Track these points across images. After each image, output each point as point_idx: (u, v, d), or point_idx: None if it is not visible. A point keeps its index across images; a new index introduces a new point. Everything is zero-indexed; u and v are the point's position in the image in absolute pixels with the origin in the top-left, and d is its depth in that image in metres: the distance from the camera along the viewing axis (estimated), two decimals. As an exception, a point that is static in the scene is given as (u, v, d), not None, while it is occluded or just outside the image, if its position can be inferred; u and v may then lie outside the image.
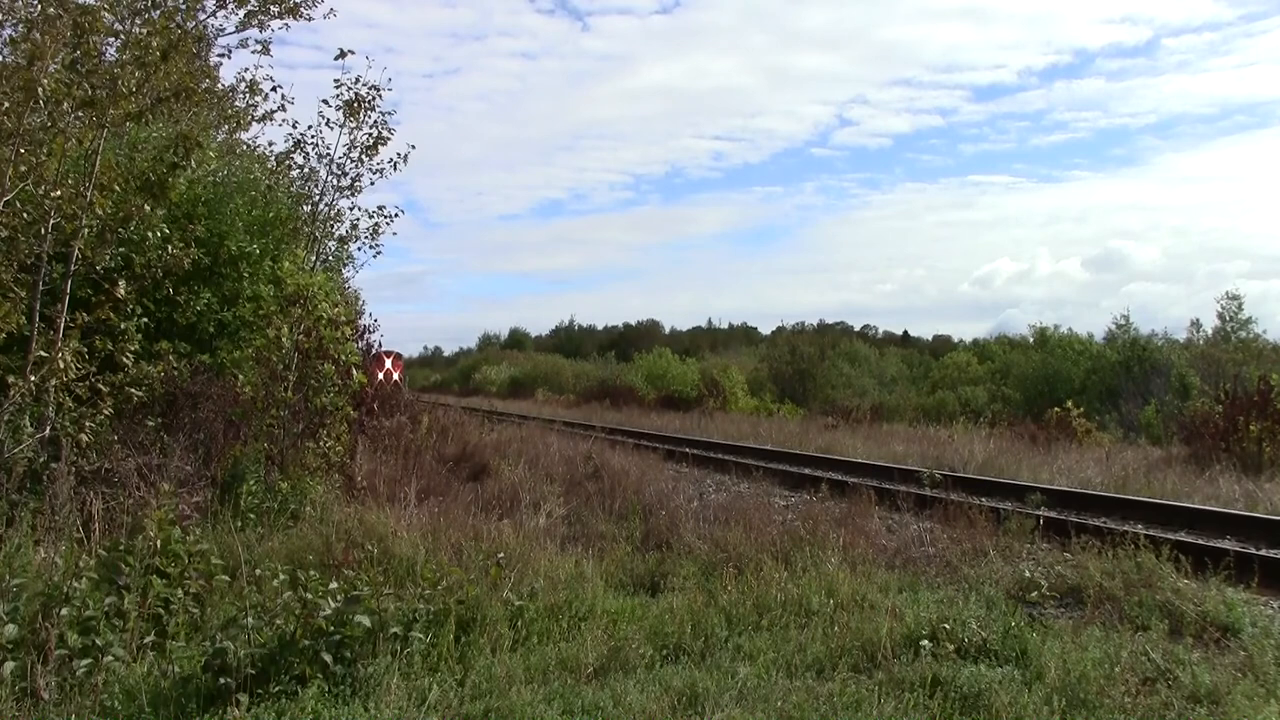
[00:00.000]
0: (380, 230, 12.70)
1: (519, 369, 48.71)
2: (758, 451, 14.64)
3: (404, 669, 4.02)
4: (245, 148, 13.43)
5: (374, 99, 11.83)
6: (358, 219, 12.66)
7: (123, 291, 6.72)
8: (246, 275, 9.53)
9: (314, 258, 11.89)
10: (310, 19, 12.38)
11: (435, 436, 12.20)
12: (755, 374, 37.01)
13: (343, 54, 11.34)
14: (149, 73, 6.81)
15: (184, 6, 11.17)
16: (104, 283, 6.75)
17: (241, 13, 12.07)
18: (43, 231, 6.30)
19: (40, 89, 5.95)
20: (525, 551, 5.86)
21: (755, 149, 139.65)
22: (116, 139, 8.02)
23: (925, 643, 4.44)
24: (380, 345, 15.34)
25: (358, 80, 11.76)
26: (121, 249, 7.36)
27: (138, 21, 9.92)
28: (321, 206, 12.42)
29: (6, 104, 5.91)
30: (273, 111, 12.89)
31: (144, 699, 3.64)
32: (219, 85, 13.64)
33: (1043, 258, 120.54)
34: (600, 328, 79.76)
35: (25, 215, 6.19)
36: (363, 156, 12.13)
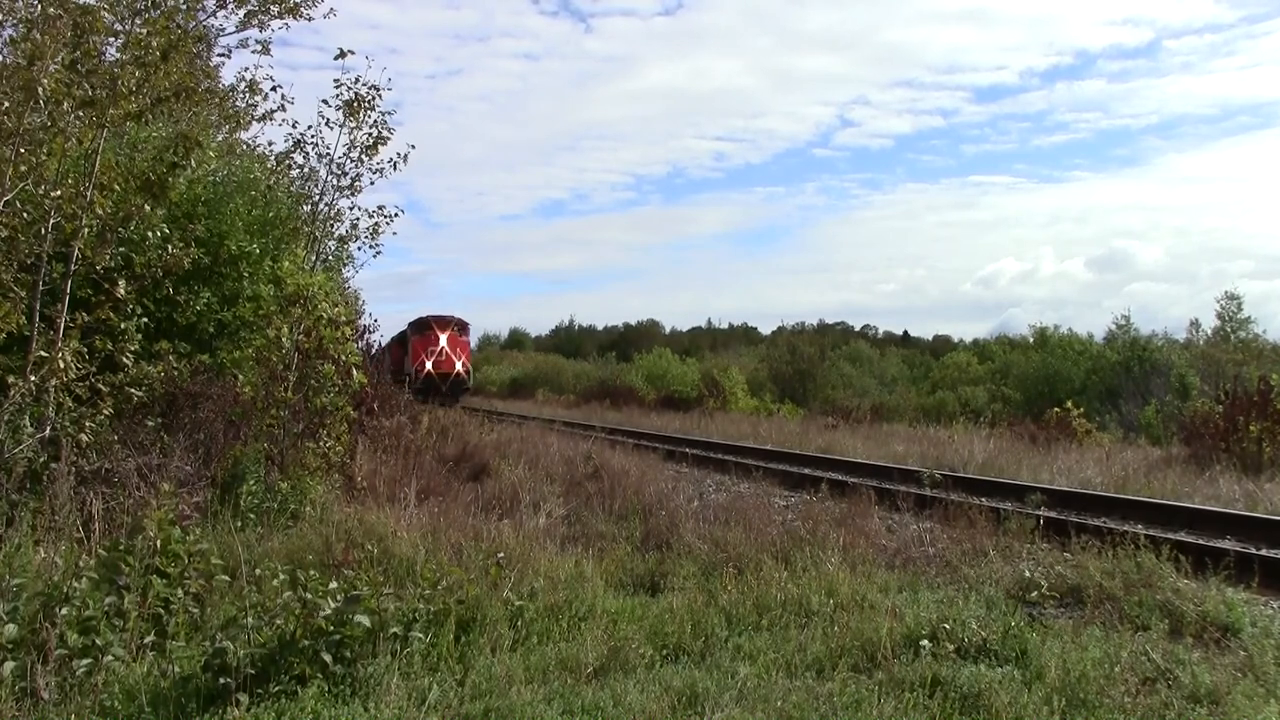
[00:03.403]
0: (380, 230, 12.74)
1: (519, 369, 48.70)
2: (758, 451, 14.63)
3: (404, 669, 4.02)
4: (245, 147, 13.45)
5: (374, 99, 11.86)
6: (358, 219, 12.71)
7: (123, 291, 6.72)
8: (246, 275, 9.54)
9: (314, 257, 11.90)
10: (310, 19, 12.43)
11: (435, 436, 12.21)
12: (755, 374, 36.99)
13: (342, 54, 11.35)
14: (149, 73, 6.81)
15: (184, 6, 11.18)
16: (104, 283, 6.74)
17: (241, 13, 12.12)
18: (43, 231, 6.30)
19: (40, 89, 5.95)
20: (525, 551, 5.86)
21: (757, 149, 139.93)
22: (116, 139, 8.03)
23: (925, 643, 4.44)
24: (371, 327, 13.20)
25: (358, 80, 11.79)
26: (121, 249, 7.36)
27: (138, 21, 9.92)
28: (321, 206, 12.44)
29: (6, 104, 5.91)
30: (273, 111, 12.92)
31: (144, 699, 3.64)
32: (219, 85, 13.66)
33: (1047, 258, 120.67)
34: (600, 328, 79.73)
35: (25, 215, 6.19)
36: (363, 156, 12.15)
